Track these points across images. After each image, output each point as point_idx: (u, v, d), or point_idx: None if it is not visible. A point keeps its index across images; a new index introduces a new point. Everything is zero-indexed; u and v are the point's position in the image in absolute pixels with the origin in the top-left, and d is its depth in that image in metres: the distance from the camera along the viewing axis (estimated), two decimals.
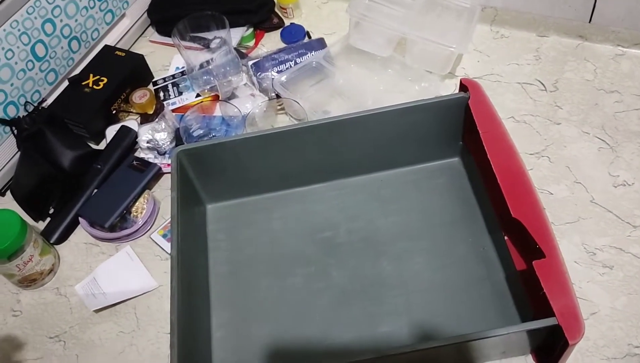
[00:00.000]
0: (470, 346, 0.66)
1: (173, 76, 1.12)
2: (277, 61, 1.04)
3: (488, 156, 0.74)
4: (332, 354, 0.75)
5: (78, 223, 0.94)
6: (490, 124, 0.78)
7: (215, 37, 1.09)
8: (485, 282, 0.78)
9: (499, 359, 0.73)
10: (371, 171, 0.91)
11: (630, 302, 0.76)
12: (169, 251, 0.75)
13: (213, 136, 1.01)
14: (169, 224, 0.78)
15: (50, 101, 1.05)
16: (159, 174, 0.98)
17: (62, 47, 1.05)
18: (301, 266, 0.83)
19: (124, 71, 1.07)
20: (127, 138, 1.01)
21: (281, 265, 0.84)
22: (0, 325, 0.86)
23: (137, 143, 1.01)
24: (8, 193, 1.00)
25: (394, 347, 0.63)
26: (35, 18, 0.98)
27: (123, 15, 1.18)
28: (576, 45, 1.07)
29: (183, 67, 1.12)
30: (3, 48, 0.93)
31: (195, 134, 1.01)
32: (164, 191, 0.98)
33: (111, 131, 1.03)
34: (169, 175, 0.94)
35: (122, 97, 1.07)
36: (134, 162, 0.96)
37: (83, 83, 1.05)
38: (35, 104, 1.02)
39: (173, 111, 1.06)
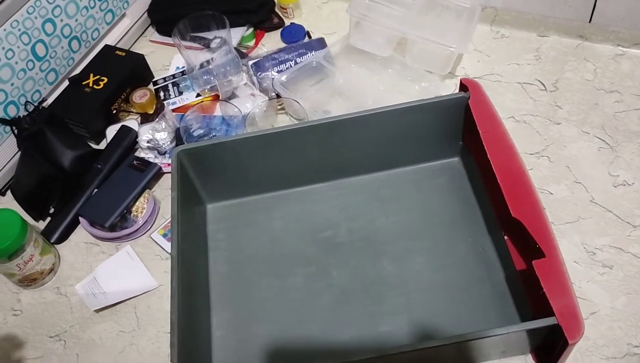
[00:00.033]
0: (470, 345, 0.66)
1: (173, 76, 1.12)
2: (277, 61, 1.04)
3: (488, 156, 0.74)
4: (332, 354, 0.75)
5: (78, 222, 0.94)
6: (490, 124, 0.78)
7: (215, 37, 1.09)
8: (485, 282, 0.78)
9: (498, 358, 0.73)
10: (371, 170, 0.91)
11: (629, 302, 0.76)
12: (169, 251, 0.76)
13: (213, 136, 1.01)
14: (169, 224, 0.78)
15: (50, 100, 1.05)
16: (159, 174, 0.98)
17: (62, 47, 1.05)
18: (301, 265, 0.83)
19: (124, 71, 1.07)
20: (128, 138, 1.01)
21: (281, 264, 0.84)
22: (0, 324, 0.86)
23: (137, 142, 1.01)
24: (8, 192, 1.00)
25: (394, 347, 0.63)
26: (36, 18, 0.98)
27: (123, 15, 1.18)
28: (576, 45, 1.07)
29: (183, 67, 1.12)
30: (3, 48, 0.93)
31: (195, 133, 1.01)
32: (164, 190, 0.98)
33: (111, 131, 1.03)
34: (169, 175, 0.95)
35: (123, 97, 1.07)
36: (134, 162, 0.97)
37: (83, 83, 1.05)
38: (36, 104, 1.02)
39: (173, 110, 1.06)
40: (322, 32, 1.16)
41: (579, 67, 1.03)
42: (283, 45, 1.14)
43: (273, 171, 0.88)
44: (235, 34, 1.13)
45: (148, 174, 0.94)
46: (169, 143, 0.99)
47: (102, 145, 1.04)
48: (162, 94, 1.09)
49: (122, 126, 1.02)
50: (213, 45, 1.08)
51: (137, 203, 0.92)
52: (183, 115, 1.01)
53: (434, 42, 0.97)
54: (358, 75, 1.06)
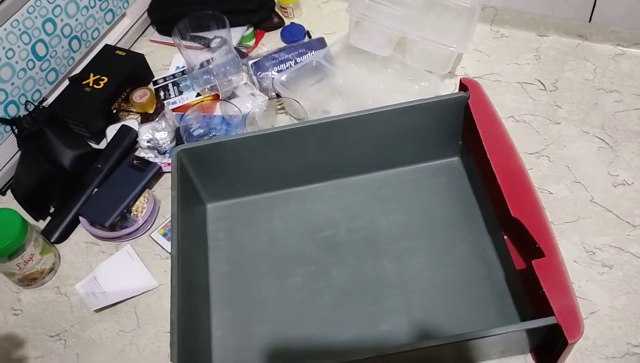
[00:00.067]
0: (469, 345, 0.67)
1: (173, 76, 1.12)
2: (277, 61, 1.04)
3: (488, 155, 0.74)
4: (332, 353, 0.75)
5: (78, 222, 0.94)
6: (490, 124, 0.78)
7: (215, 37, 1.09)
8: (484, 282, 0.78)
9: (498, 358, 0.73)
10: (371, 170, 0.91)
11: (629, 301, 0.76)
12: (169, 250, 0.76)
13: (213, 136, 1.01)
14: (169, 224, 0.78)
15: (50, 100, 1.05)
16: (159, 173, 0.98)
17: (62, 47, 1.05)
18: (301, 265, 0.83)
19: (124, 71, 1.07)
20: (128, 137, 1.01)
21: (281, 264, 0.84)
22: (0, 323, 0.86)
23: (137, 142, 1.01)
24: (9, 192, 1.00)
25: (394, 346, 0.63)
26: (36, 17, 0.98)
27: (123, 15, 1.18)
28: (576, 45, 1.07)
29: (183, 67, 1.12)
30: (4, 47, 0.93)
31: (195, 133, 1.01)
32: (164, 190, 0.98)
33: (111, 131, 1.03)
34: (169, 174, 0.95)
35: (123, 96, 1.07)
36: (134, 161, 0.97)
37: (83, 82, 1.05)
38: (36, 104, 1.02)
39: (173, 110, 1.06)
40: (322, 31, 1.16)
41: (579, 66, 1.03)
42: (283, 45, 1.14)
43: (273, 170, 0.88)
44: (235, 34, 1.13)
45: (148, 173, 0.94)
46: (169, 142, 0.99)
47: (102, 145, 1.04)
48: (162, 93, 1.09)
49: (122, 125, 1.02)
50: (213, 45, 1.08)
51: (137, 202, 0.92)
52: (183, 115, 1.01)
53: (434, 42, 0.97)
54: (358, 75, 1.06)
